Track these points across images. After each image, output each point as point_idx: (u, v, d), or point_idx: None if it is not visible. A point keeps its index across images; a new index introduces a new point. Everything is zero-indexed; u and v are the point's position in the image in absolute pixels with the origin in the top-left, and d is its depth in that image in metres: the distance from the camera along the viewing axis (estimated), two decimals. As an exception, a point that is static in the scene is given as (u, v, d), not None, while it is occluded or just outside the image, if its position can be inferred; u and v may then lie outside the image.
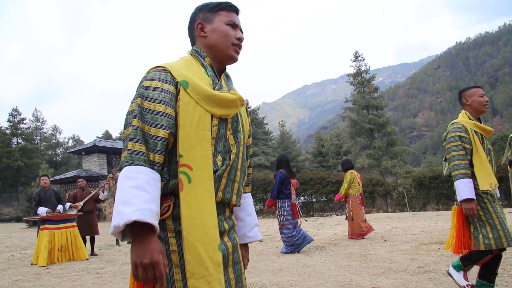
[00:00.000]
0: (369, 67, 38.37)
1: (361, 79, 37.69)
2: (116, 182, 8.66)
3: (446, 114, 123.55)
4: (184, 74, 1.33)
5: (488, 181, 2.91)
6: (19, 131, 51.54)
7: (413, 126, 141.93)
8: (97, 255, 7.92)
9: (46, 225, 7.20)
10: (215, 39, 1.44)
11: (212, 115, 1.34)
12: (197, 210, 1.25)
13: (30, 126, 54.26)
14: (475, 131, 3.03)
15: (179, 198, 1.27)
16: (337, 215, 17.82)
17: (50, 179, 8.22)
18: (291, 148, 46.95)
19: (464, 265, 3.07)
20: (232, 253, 1.39)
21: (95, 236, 8.35)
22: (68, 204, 7.88)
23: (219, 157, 1.35)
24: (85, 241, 7.87)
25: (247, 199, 1.63)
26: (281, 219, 6.64)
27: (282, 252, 6.58)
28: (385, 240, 7.27)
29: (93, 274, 5.71)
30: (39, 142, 55.88)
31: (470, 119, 3.09)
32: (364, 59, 38.29)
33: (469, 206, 2.86)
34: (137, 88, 1.32)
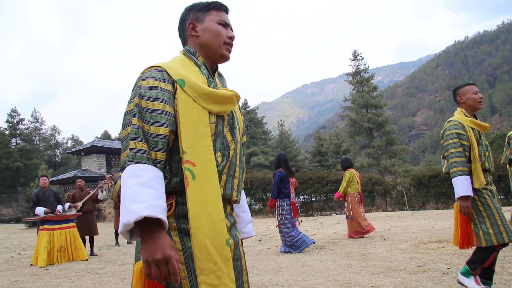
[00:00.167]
0: (368, 66, 38.43)
1: (360, 78, 37.72)
2: (115, 183, 8.66)
3: (445, 113, 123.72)
4: (180, 72, 1.34)
5: (477, 180, 2.94)
6: (18, 132, 51.49)
7: (412, 125, 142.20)
8: (96, 255, 7.92)
9: (45, 226, 7.20)
10: (207, 38, 1.46)
11: (209, 112, 1.35)
12: (203, 206, 1.26)
13: (29, 127, 54.26)
14: (471, 128, 3.04)
15: (181, 196, 1.29)
16: (336, 214, 17.83)
17: (49, 180, 8.22)
18: (290, 148, 46.95)
19: (472, 269, 3.01)
20: (233, 250, 1.39)
21: (94, 236, 8.35)
22: (67, 205, 7.88)
23: (219, 154, 1.36)
24: (84, 242, 7.87)
25: (242, 195, 1.64)
26: (280, 218, 6.64)
27: (281, 252, 6.58)
28: (385, 239, 7.28)
29: (93, 274, 5.71)
30: (38, 142, 55.81)
31: (466, 116, 3.10)
32: (363, 58, 38.35)
33: (464, 204, 2.87)
34: (133, 88, 1.32)
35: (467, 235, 3.08)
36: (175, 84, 1.32)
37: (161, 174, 1.22)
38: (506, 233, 2.84)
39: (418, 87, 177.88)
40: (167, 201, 1.27)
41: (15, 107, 53.62)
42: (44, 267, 6.67)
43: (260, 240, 8.63)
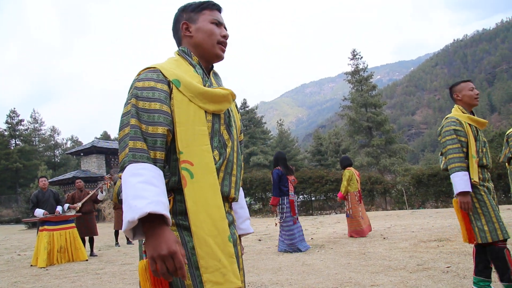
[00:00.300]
0: (367, 65, 38.42)
1: (359, 77, 37.72)
2: (114, 183, 8.65)
3: (444, 111, 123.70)
4: (175, 73, 1.35)
5: (474, 177, 2.95)
6: (17, 133, 51.40)
7: (411, 124, 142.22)
8: (96, 255, 7.92)
9: (45, 227, 7.19)
10: (201, 38, 1.47)
11: (205, 111, 1.36)
12: (203, 204, 1.27)
13: (28, 128, 54.12)
14: (469, 124, 3.04)
15: (179, 194, 1.29)
16: (336, 213, 17.84)
17: (49, 181, 8.21)
18: (290, 147, 46.94)
19: (485, 276, 2.98)
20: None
21: (94, 237, 8.34)
22: (66, 205, 7.87)
23: (216, 152, 1.37)
24: (84, 242, 7.87)
25: (240, 193, 1.65)
26: (281, 217, 6.65)
27: (280, 251, 6.58)
28: (384, 238, 7.28)
29: (93, 274, 5.71)
30: (38, 143, 55.71)
31: (463, 112, 3.11)
32: (362, 57, 38.34)
33: (464, 200, 2.87)
34: (129, 90, 1.33)
35: (471, 231, 3.07)
36: (171, 85, 1.33)
37: (161, 172, 1.22)
38: (501, 230, 2.84)
39: (417, 85, 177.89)
40: None
41: (14, 108, 53.45)
42: (44, 267, 6.67)
43: (260, 240, 8.64)
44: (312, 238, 8.16)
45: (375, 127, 36.17)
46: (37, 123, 55.63)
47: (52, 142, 57.42)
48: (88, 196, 8.25)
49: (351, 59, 38.54)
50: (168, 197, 1.27)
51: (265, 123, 48.07)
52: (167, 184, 1.28)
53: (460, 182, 2.87)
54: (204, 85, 1.41)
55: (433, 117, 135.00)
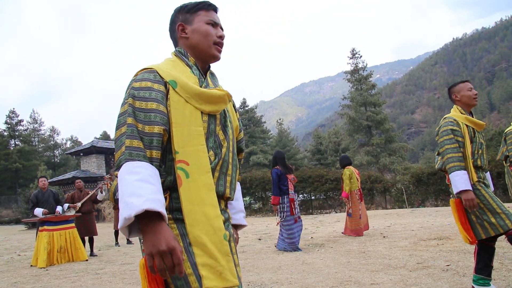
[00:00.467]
0: (366, 64, 38.43)
1: (358, 76, 37.72)
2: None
3: (443, 110, 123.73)
4: (172, 74, 1.36)
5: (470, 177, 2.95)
6: (17, 133, 51.37)
7: (411, 123, 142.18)
8: (96, 255, 7.92)
9: (45, 227, 7.19)
10: (197, 40, 1.47)
11: (202, 112, 1.37)
12: (198, 203, 1.27)
13: (27, 128, 54.09)
14: (466, 125, 3.05)
15: (175, 192, 1.30)
16: (336, 212, 17.85)
17: (49, 181, 8.20)
18: (289, 146, 46.94)
19: (486, 275, 2.98)
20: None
21: (94, 236, 8.34)
22: (66, 205, 7.87)
23: (211, 152, 1.38)
24: (84, 242, 7.86)
25: (237, 186, 1.66)
26: (282, 216, 6.65)
27: (279, 249, 6.59)
28: (384, 237, 7.29)
29: (93, 274, 5.71)
30: (37, 143, 55.67)
31: (462, 113, 3.12)
32: (361, 56, 38.34)
33: (468, 197, 2.85)
34: (126, 90, 1.34)
35: (469, 230, 3.08)
36: (167, 85, 1.34)
37: (157, 171, 1.23)
38: (509, 219, 2.84)
39: (416, 84, 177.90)
40: None
41: (13, 108, 53.38)
42: (44, 268, 6.67)
43: (259, 239, 8.64)
44: (312, 237, 8.17)
45: (375, 126, 36.18)
46: (37, 123, 55.61)
47: (52, 142, 57.40)
48: (88, 196, 8.25)
49: (350, 58, 38.56)
50: (164, 194, 1.28)
51: (264, 122, 48.06)
52: (162, 183, 1.28)
53: (460, 180, 2.87)
54: (201, 86, 1.42)
55: (433, 115, 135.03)
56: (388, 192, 18.96)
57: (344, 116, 37.33)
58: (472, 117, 3.14)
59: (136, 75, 1.37)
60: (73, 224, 7.60)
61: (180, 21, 1.50)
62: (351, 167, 8.21)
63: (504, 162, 5.14)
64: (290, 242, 6.52)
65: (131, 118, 1.25)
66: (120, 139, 1.24)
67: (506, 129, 5.04)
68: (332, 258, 5.50)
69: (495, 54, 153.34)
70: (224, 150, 1.42)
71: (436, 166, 3.26)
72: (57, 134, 58.71)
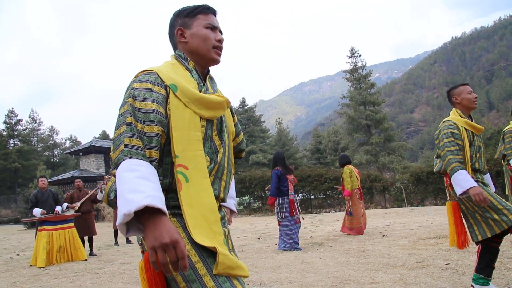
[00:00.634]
0: (366, 63, 38.43)
1: (357, 75, 37.73)
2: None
3: (442, 109, 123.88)
4: (172, 77, 1.36)
5: None
6: (16, 133, 51.27)
7: (410, 122, 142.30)
8: (95, 255, 7.91)
9: (44, 226, 7.18)
10: (196, 44, 1.47)
11: (200, 117, 1.37)
12: (198, 207, 1.28)
13: (26, 128, 53.97)
14: (465, 129, 3.06)
15: (171, 192, 1.31)
16: (335, 211, 17.86)
17: (48, 180, 8.18)
18: (289, 146, 46.92)
19: (486, 275, 2.98)
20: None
21: (93, 236, 8.34)
22: (65, 205, 7.86)
23: (207, 157, 1.39)
24: (83, 242, 7.86)
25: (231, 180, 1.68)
26: (281, 216, 6.66)
27: (280, 249, 6.59)
28: (383, 236, 7.29)
29: (92, 274, 5.70)
30: (36, 143, 55.59)
31: (461, 116, 3.13)
32: (360, 55, 38.34)
33: (476, 191, 2.78)
34: (126, 91, 1.33)
35: (464, 234, 3.10)
36: (168, 89, 1.34)
37: (156, 171, 1.22)
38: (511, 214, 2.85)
39: (415, 83, 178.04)
40: None
41: (12, 108, 53.39)
42: (43, 267, 6.66)
43: (259, 238, 8.64)
44: (311, 236, 8.17)
45: (374, 125, 36.20)
46: (36, 123, 55.51)
47: (51, 142, 57.32)
48: (88, 196, 8.24)
49: (349, 58, 38.56)
50: None
51: (264, 121, 48.05)
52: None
53: (465, 179, 2.85)
54: (200, 91, 1.42)
55: (432, 115, 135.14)
56: (388, 191, 18.98)
57: (343, 115, 37.35)
58: (471, 120, 3.16)
59: (136, 76, 1.36)
60: (73, 224, 7.60)
61: (179, 25, 1.50)
62: (350, 166, 8.21)
63: (502, 160, 5.16)
64: (290, 243, 6.52)
65: (130, 117, 1.25)
66: (119, 138, 1.23)
67: (504, 128, 5.06)
68: (331, 257, 5.51)
69: (494, 53, 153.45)
70: (220, 155, 1.43)
71: (434, 169, 3.26)
72: (56, 133, 58.67)
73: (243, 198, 20.70)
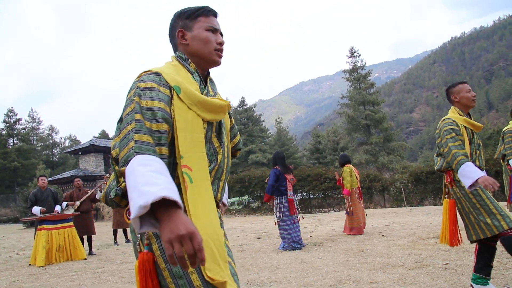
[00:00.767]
0: (365, 63, 38.43)
1: (357, 75, 37.74)
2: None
3: (442, 109, 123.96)
4: (176, 79, 1.36)
5: None
6: (15, 132, 51.26)
7: (409, 121, 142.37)
8: (95, 254, 7.91)
9: (44, 226, 7.18)
10: (197, 47, 1.47)
11: (202, 120, 1.38)
12: (203, 209, 1.29)
13: (26, 127, 53.97)
14: (465, 127, 3.06)
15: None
16: (334, 211, 17.86)
17: (47, 180, 8.16)
18: (288, 145, 46.90)
19: (485, 274, 2.98)
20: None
21: (93, 235, 8.33)
22: (64, 204, 7.86)
23: (207, 159, 1.39)
24: (82, 241, 7.86)
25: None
26: (278, 216, 6.66)
27: (281, 249, 6.59)
28: (383, 235, 7.30)
29: (91, 273, 5.70)
30: (36, 142, 55.56)
31: (460, 115, 3.12)
32: (359, 55, 38.36)
33: (485, 180, 2.73)
34: (130, 91, 1.33)
35: (457, 232, 3.11)
36: (172, 90, 1.34)
37: (167, 167, 1.21)
38: (504, 220, 2.85)
39: (415, 83, 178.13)
40: None
41: (12, 107, 53.37)
42: (42, 266, 6.66)
43: (258, 238, 8.64)
44: (310, 236, 8.17)
45: (373, 124, 36.21)
46: (35, 122, 55.50)
47: (50, 141, 57.29)
48: (87, 195, 8.24)
49: (349, 57, 38.57)
50: None
51: (263, 121, 48.04)
52: None
53: (473, 170, 2.81)
54: (202, 93, 1.43)
55: (431, 114, 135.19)
56: (387, 191, 18.99)
57: (343, 115, 37.36)
58: (470, 118, 3.15)
59: (139, 76, 1.36)
60: (72, 223, 7.60)
61: (179, 27, 1.49)
62: (350, 165, 8.22)
63: (501, 161, 5.16)
64: (290, 242, 6.53)
65: (139, 114, 1.24)
66: (127, 136, 1.22)
67: (504, 128, 5.06)
68: (331, 256, 5.51)
69: (493, 53, 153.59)
70: (220, 157, 1.44)
71: (435, 167, 3.24)
72: (56, 133, 58.64)
73: (243, 197, 20.70)
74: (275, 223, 6.78)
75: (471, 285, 3.07)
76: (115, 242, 9.77)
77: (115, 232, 9.92)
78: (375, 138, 35.19)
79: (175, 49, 1.54)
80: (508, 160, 4.88)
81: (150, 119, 1.25)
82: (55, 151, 57.68)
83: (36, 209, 7.33)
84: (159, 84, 1.32)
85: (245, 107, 45.51)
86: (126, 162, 1.17)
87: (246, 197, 20.64)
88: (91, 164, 29.97)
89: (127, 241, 10.01)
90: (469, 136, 3.06)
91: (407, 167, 29.59)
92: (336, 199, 18.95)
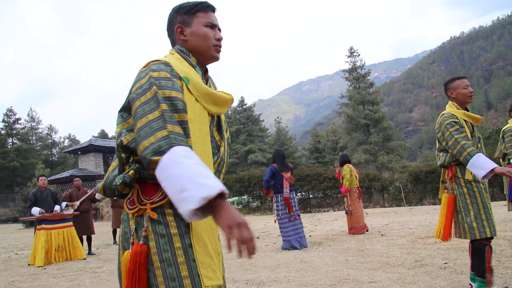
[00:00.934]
0: (364, 62, 38.45)
1: (356, 75, 37.76)
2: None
3: (441, 108, 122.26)
4: (184, 70, 1.36)
5: (469, 172, 2.93)
6: (14, 132, 51.23)
7: (408, 121, 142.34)
8: (94, 254, 7.91)
9: (43, 225, 7.17)
10: (196, 43, 1.46)
11: (207, 112, 1.38)
12: None
13: (25, 126, 53.92)
14: (464, 120, 3.04)
15: None
16: (334, 210, 17.87)
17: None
18: (288, 145, 46.91)
19: (482, 276, 2.94)
20: None
21: (92, 235, 8.33)
22: (64, 203, 7.85)
23: None
24: (82, 241, 7.85)
25: None
26: (276, 214, 6.67)
27: (282, 248, 6.59)
28: (382, 235, 7.30)
29: (91, 273, 5.70)
30: (35, 142, 55.51)
31: (458, 109, 3.10)
32: (359, 55, 38.39)
33: (502, 170, 2.73)
34: (140, 79, 1.30)
35: (449, 228, 3.10)
36: (182, 81, 1.33)
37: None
38: (489, 228, 2.85)
39: (414, 83, 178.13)
40: (161, 190, 1.26)
41: (11, 107, 53.36)
42: (42, 266, 6.66)
43: (258, 237, 8.65)
44: (310, 236, 8.18)
45: (373, 124, 36.24)
46: (34, 121, 55.44)
47: (50, 140, 57.22)
48: (87, 195, 8.23)
49: (348, 57, 38.60)
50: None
51: (262, 121, 48.08)
52: None
53: (487, 161, 2.76)
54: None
55: (431, 114, 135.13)
56: (386, 190, 19.00)
57: (342, 114, 37.38)
58: (468, 111, 3.13)
59: (147, 66, 1.33)
60: (71, 223, 7.59)
61: (178, 23, 1.48)
62: (350, 165, 8.23)
63: (501, 160, 5.15)
64: (286, 240, 6.53)
65: (164, 104, 1.22)
66: (150, 125, 1.18)
67: (503, 127, 5.06)
68: (330, 256, 5.51)
69: (492, 52, 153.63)
70: (222, 149, 1.45)
71: (438, 163, 3.20)
72: (55, 132, 58.57)
73: (242, 197, 20.69)
74: (275, 220, 6.80)
75: (470, 284, 3.07)
76: (115, 242, 9.77)
77: (114, 232, 9.92)
78: (374, 137, 35.22)
79: (173, 43, 1.53)
80: (509, 159, 4.88)
81: (172, 109, 1.23)
82: (54, 151, 57.64)
83: (35, 210, 7.31)
84: (171, 74, 1.30)
85: (245, 106, 45.52)
86: (158, 152, 1.13)
87: (245, 196, 20.63)
88: (91, 164, 29.96)
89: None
90: (469, 130, 3.03)
91: (406, 166, 29.64)
92: (335, 199, 18.95)
